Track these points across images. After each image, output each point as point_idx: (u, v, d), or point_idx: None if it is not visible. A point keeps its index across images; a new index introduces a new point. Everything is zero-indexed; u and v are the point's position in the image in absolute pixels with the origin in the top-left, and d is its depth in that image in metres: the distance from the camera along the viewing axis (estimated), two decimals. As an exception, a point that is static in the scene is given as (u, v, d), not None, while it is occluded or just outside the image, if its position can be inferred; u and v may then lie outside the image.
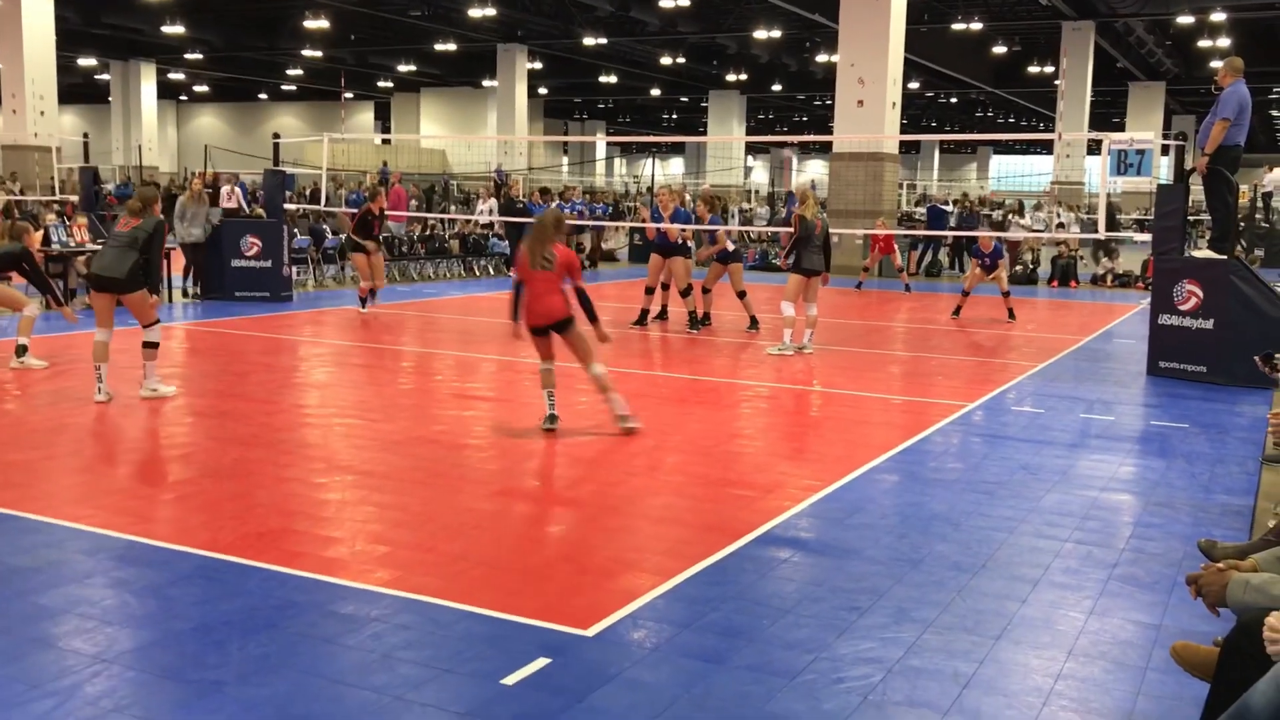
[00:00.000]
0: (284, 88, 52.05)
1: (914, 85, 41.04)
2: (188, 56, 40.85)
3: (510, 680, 3.89)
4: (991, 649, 4.30)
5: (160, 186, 10.12)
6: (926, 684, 3.98)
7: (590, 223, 21.27)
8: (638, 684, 3.91)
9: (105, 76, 44.41)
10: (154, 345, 8.77)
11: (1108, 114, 45.63)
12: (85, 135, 26.26)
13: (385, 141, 48.09)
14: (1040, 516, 6.08)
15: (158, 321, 8.81)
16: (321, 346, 11.94)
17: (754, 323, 13.62)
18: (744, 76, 43.88)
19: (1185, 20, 30.60)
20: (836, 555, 5.38)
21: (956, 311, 15.74)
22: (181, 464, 6.78)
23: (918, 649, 4.27)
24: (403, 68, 43.23)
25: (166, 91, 48.62)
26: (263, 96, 56.48)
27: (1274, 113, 52.66)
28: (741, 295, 13.71)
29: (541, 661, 4.03)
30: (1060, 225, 25.29)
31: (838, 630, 4.42)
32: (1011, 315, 15.32)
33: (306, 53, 39.11)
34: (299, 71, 45.64)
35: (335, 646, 4.17)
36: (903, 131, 28.45)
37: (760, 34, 33.42)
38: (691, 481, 6.72)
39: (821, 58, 37.41)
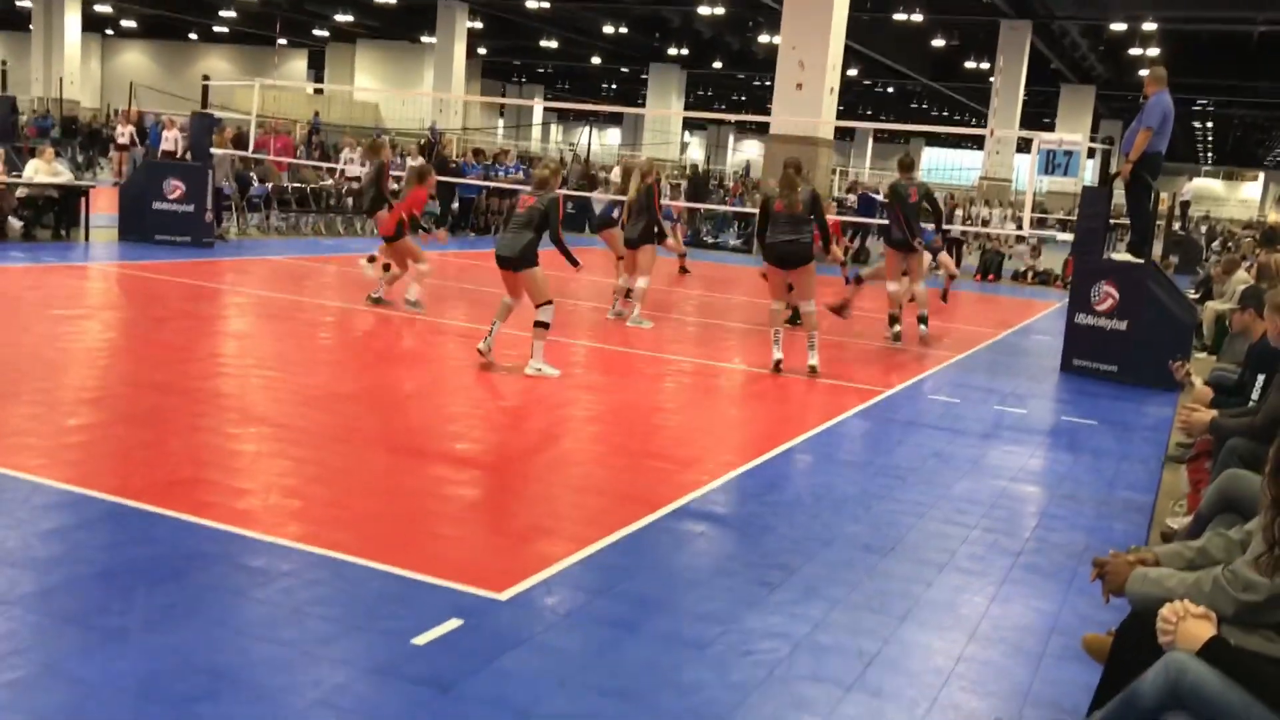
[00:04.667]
0: (215, 29, 50.68)
1: (852, 72, 41.31)
2: (116, -11, 39.56)
3: (421, 640, 3.88)
4: (896, 629, 4.40)
5: (556, 164, 9.86)
6: (832, 660, 4.06)
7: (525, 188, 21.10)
8: (549, 648, 3.94)
9: (26, 3, 42.81)
10: (544, 325, 8.65)
11: (1039, 113, 46.41)
12: (3, 63, 25.32)
13: (318, 91, 47.13)
14: (950, 503, 6.22)
15: (550, 302, 8.69)
16: (242, 296, 11.73)
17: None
18: (685, 51, 43.83)
19: (1118, 27, 31.26)
20: (751, 531, 5.45)
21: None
22: (93, 407, 6.62)
23: (825, 626, 4.36)
24: (340, 17, 42.37)
25: (92, 24, 47.01)
26: (193, 37, 54.92)
27: (1195, 124, 54.02)
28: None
29: (453, 623, 4.03)
30: (985, 222, 25.77)
31: (748, 604, 4.49)
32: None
33: (240, -5, 38.13)
34: (232, 14, 44.45)
35: (244, 599, 4.12)
36: (838, 118, 28.65)
37: (704, 9, 33.39)
38: (612, 451, 6.74)
39: (764, 38, 37.44)
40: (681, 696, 3.68)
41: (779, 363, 9.58)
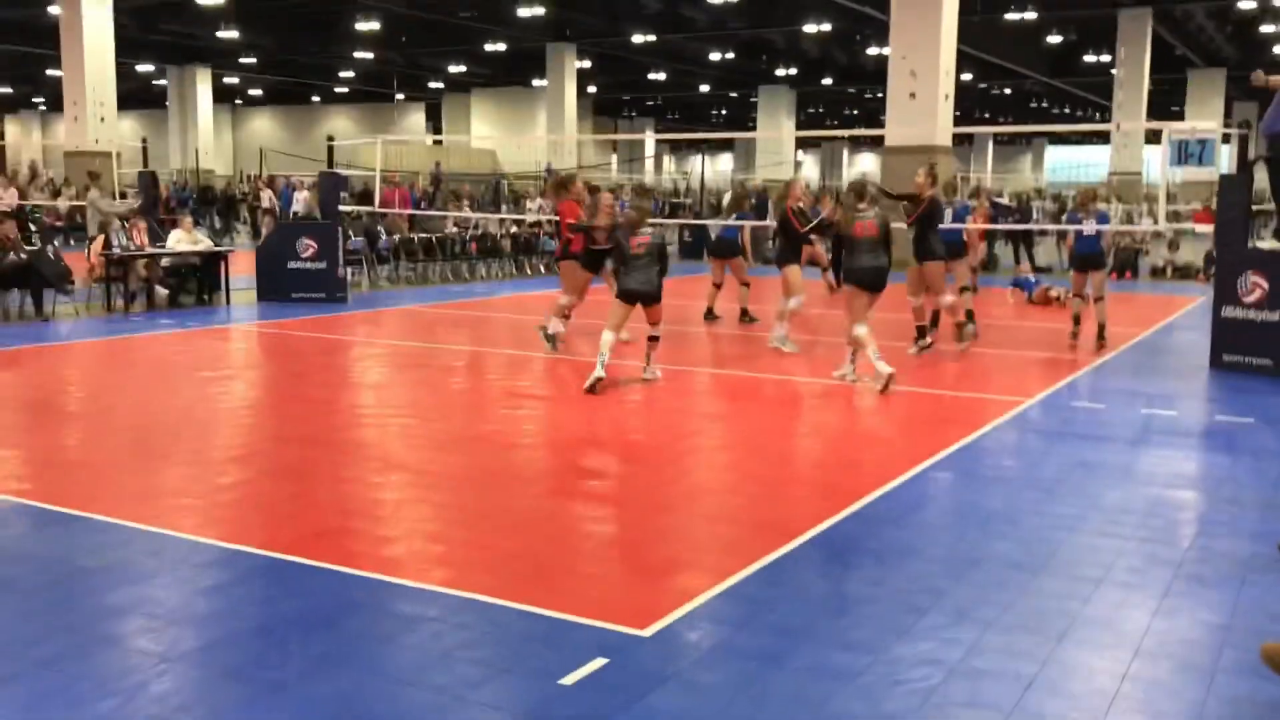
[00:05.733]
0: (336, 90, 52.62)
1: (967, 77, 40.53)
2: (242, 60, 41.39)
3: (569, 680, 3.89)
4: (1054, 650, 4.23)
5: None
6: (989, 685, 3.93)
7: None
8: (695, 685, 3.90)
9: (162, 82, 45.13)
10: (658, 339, 9.77)
11: (1166, 102, 44.82)
12: (144, 140, 26.68)
13: (437, 142, 48.42)
14: (1101, 514, 5.98)
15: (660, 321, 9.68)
16: (376, 347, 12.05)
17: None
18: (793, 71, 43.66)
19: (1247, 5, 29.98)
20: (894, 555, 5.33)
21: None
22: (240, 464, 6.87)
23: (979, 650, 4.22)
24: (453, 68, 43.53)
25: (222, 95, 49.30)
26: (316, 99, 57.12)
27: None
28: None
29: (599, 661, 4.03)
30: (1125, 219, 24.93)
31: (897, 631, 4.38)
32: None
33: (358, 55, 39.50)
34: (351, 73, 46.10)
35: (394, 645, 4.20)
36: (955, 124, 28.07)
37: (810, 28, 33.22)
38: (745, 479, 6.69)
39: (872, 50, 37.09)
40: (834, 729, 3.60)
41: (890, 377, 9.19)
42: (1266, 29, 32.08)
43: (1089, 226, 12.01)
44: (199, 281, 15.18)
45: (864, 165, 67.74)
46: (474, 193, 27.87)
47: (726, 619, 4.48)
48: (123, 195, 20.01)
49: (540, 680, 3.90)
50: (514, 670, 3.99)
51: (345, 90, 52.56)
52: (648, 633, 4.31)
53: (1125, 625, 4.49)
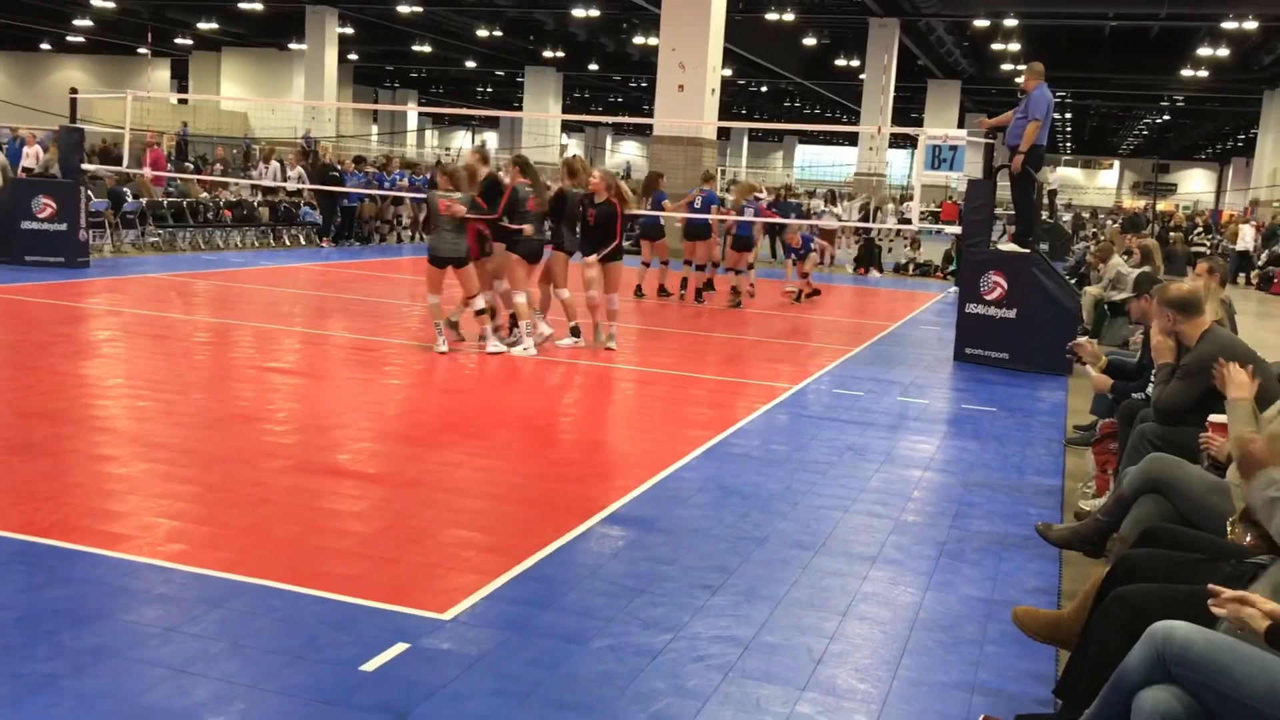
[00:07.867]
0: (70, 39, 48.70)
1: (726, 72, 41.76)
2: (-42, -3, 37.68)
3: (370, 666, 3.79)
4: (840, 625, 4.45)
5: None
6: (782, 660, 4.09)
7: (410, 194, 20.86)
8: (502, 667, 3.87)
9: None
10: (482, 311, 10.19)
11: (908, 109, 47.59)
12: None
13: (182, 101, 45.69)
14: (871, 496, 6.32)
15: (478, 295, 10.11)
16: (125, 317, 11.27)
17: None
18: (561, 54, 43.74)
19: (981, 23, 32.28)
20: (684, 534, 5.45)
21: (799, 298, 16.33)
22: (-18, 441, 6.29)
23: (770, 626, 4.38)
24: (203, 25, 41.16)
25: (-66, 35, 44.81)
26: (46, 47, 52.68)
27: (1055, 115, 56.10)
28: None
29: (400, 646, 3.94)
30: (865, 216, 26.36)
31: (692, 609, 4.49)
32: (798, 298, 16.08)
33: (97, 3, 36.74)
34: (88, 22, 42.78)
35: (179, 634, 3.96)
36: (719, 118, 28.80)
37: (579, 12, 33.37)
38: (530, 459, 6.68)
39: (639, 40, 37.65)
40: (641, 706, 3.66)
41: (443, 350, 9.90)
42: (997, 46, 34.60)
43: (748, 214, 15.57)
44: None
45: (627, 152, 68.75)
46: (226, 156, 26.47)
47: (527, 600, 4.47)
48: None
49: (339, 667, 3.78)
50: (309, 657, 3.85)
51: (81, 40, 48.70)
52: (447, 616, 4.25)
53: (901, 600, 4.78)
